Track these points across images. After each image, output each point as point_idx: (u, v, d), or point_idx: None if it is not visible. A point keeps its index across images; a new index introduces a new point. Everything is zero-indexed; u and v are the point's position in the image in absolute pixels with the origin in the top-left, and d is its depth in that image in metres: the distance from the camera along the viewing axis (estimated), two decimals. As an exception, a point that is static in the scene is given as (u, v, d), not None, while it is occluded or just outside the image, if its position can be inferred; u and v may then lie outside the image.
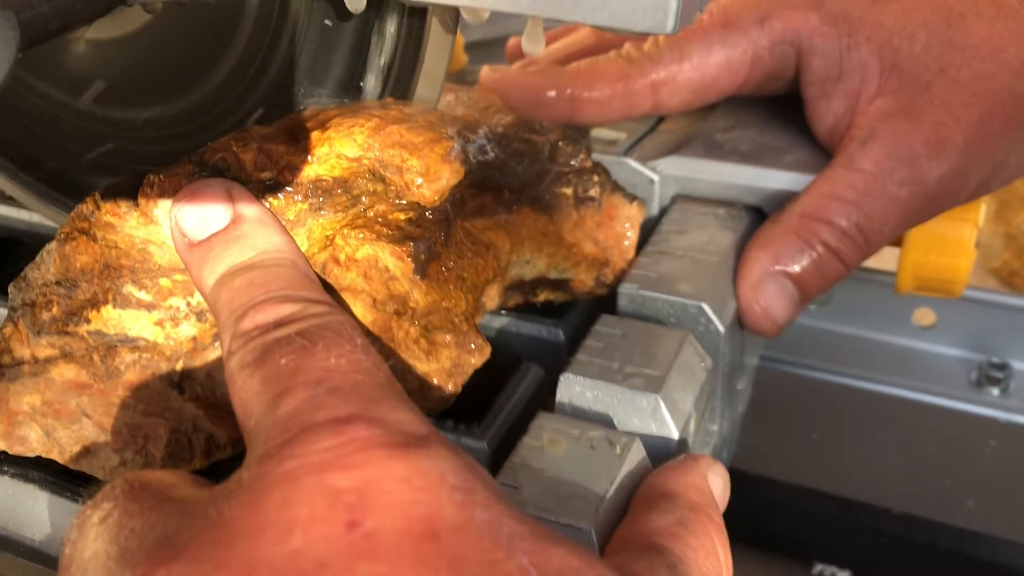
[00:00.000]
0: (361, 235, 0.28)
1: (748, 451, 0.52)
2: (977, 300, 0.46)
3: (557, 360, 0.36)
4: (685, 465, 0.26)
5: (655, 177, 0.39)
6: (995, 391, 0.45)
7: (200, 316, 0.28)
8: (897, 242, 0.39)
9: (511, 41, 0.45)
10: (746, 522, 0.57)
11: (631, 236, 0.36)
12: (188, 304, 0.28)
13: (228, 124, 0.37)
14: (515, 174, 0.33)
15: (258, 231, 0.25)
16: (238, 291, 0.24)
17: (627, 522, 0.24)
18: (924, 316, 0.47)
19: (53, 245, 0.30)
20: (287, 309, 0.22)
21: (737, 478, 0.31)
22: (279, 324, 0.22)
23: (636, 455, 0.27)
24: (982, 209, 0.38)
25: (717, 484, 0.26)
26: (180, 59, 0.36)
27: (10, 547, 0.31)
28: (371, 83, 0.32)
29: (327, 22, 0.32)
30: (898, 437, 0.47)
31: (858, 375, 0.47)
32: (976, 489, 0.47)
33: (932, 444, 0.46)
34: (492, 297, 0.32)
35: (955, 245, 0.38)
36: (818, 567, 0.59)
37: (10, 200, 0.46)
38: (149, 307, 0.28)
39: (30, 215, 0.46)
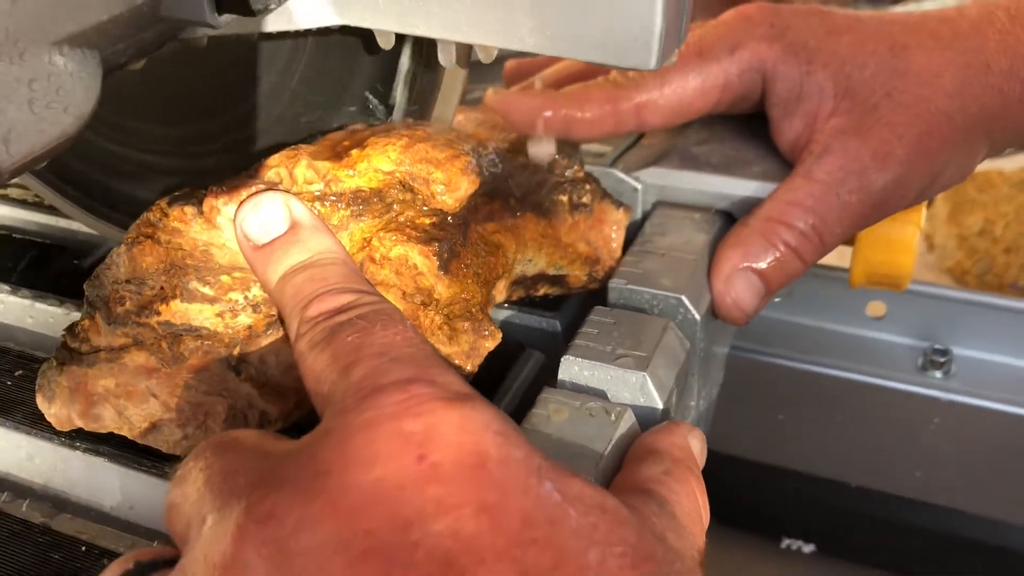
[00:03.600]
0: (394, 237, 0.33)
1: (720, 433, 0.57)
2: (923, 293, 0.52)
3: (555, 347, 0.41)
4: (669, 428, 0.31)
5: (638, 186, 0.44)
6: (938, 374, 0.51)
7: (255, 308, 0.33)
8: (850, 242, 0.44)
9: (509, 63, 0.50)
10: (719, 501, 0.62)
11: (618, 237, 0.41)
12: (245, 298, 0.33)
13: (261, 143, 0.42)
14: (519, 184, 0.38)
15: (313, 235, 0.30)
16: (301, 285, 0.28)
17: (621, 475, 0.29)
18: (876, 308, 0.53)
19: (122, 248, 0.34)
20: (345, 298, 0.27)
21: (710, 458, 0.36)
22: (340, 311, 0.27)
23: (628, 422, 0.32)
24: (924, 213, 0.44)
25: (695, 444, 0.31)
26: (218, 82, 0.41)
27: (84, 512, 0.35)
28: (399, 101, 0.37)
29: (360, 53, 0.37)
30: (854, 417, 0.52)
31: (818, 362, 0.52)
32: (923, 462, 0.53)
33: (884, 423, 0.51)
34: (500, 291, 0.37)
35: (900, 244, 0.43)
36: (785, 541, 0.64)
37: (51, 208, 0.51)
38: (211, 300, 0.33)
39: (68, 223, 0.51)
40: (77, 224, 0.49)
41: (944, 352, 0.51)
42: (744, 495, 0.62)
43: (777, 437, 0.55)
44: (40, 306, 0.43)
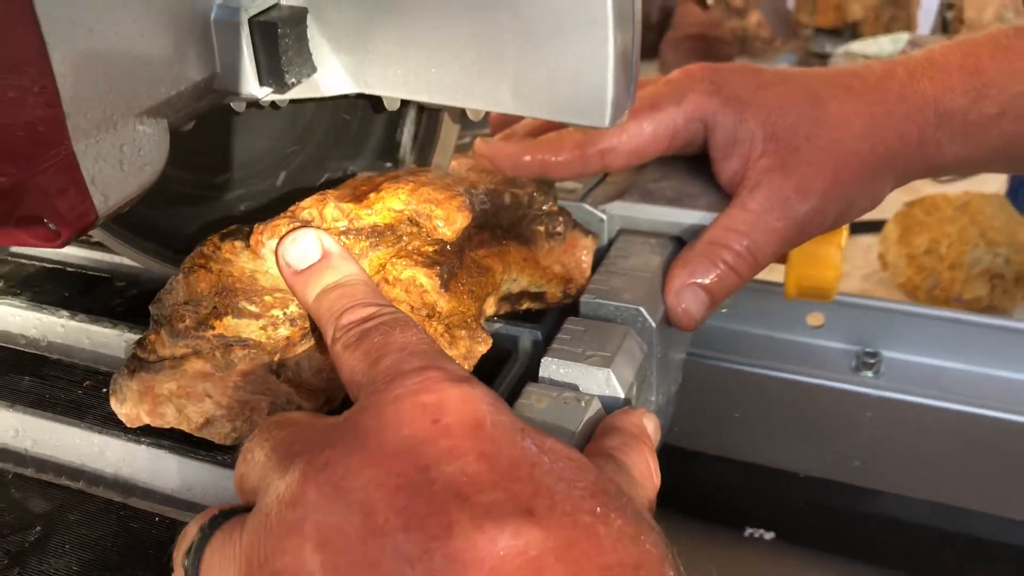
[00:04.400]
0: (404, 262, 0.41)
1: (685, 431, 0.64)
2: (855, 304, 0.60)
3: (537, 353, 0.49)
4: (627, 411, 0.39)
5: (604, 217, 0.52)
6: (869, 374, 0.59)
7: (292, 322, 0.41)
8: (783, 260, 0.52)
9: (494, 115, 0.58)
10: (688, 495, 0.69)
11: (588, 260, 0.49)
12: (284, 314, 0.41)
13: (286, 188, 0.50)
14: (505, 217, 0.46)
15: (341, 262, 0.38)
16: (335, 301, 0.36)
17: (588, 447, 0.37)
18: (815, 319, 0.61)
19: (180, 276, 0.42)
20: (370, 310, 0.35)
21: (676, 455, 0.42)
22: (367, 320, 0.35)
23: (595, 408, 0.40)
24: (845, 234, 0.52)
25: (650, 424, 0.39)
26: (251, 137, 0.49)
27: (149, 496, 0.43)
28: (405, 152, 0.45)
29: (369, 113, 0.45)
30: (798, 414, 0.60)
31: (767, 366, 0.60)
32: (860, 452, 0.60)
33: (824, 417, 0.59)
34: (491, 305, 0.45)
35: (824, 261, 0.51)
36: (748, 530, 0.71)
37: (99, 245, 0.58)
38: (256, 316, 0.41)
39: (113, 256, 0.58)
40: (120, 257, 0.57)
41: (874, 355, 0.59)
42: (709, 488, 0.69)
43: (735, 434, 0.63)
44: (95, 328, 0.51)
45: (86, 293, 0.55)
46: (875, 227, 1.18)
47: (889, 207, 1.18)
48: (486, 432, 0.29)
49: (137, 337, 0.44)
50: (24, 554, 0.38)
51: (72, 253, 0.58)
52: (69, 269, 0.58)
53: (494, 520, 0.26)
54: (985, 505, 0.59)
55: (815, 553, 0.68)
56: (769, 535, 0.70)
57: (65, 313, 0.52)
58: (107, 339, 0.51)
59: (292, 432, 0.31)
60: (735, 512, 0.69)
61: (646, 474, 0.35)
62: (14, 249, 0.60)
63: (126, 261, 0.57)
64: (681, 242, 0.51)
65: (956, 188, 1.14)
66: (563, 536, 0.26)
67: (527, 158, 0.50)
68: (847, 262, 0.62)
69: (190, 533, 0.31)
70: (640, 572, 0.26)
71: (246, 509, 0.31)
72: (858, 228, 1.32)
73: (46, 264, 0.59)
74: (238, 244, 0.41)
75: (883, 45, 1.91)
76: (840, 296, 0.60)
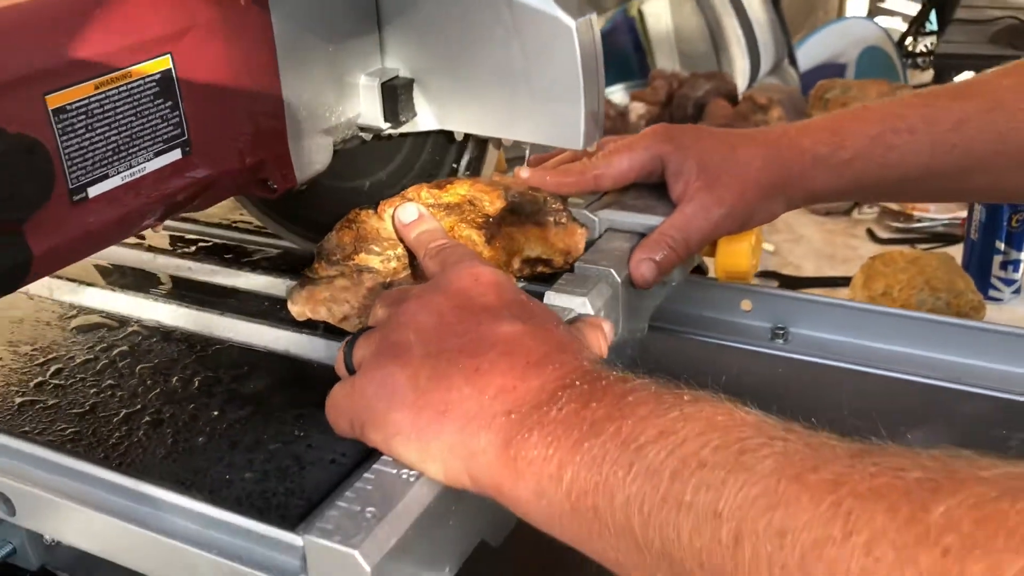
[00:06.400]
0: (464, 226, 0.69)
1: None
2: (774, 295, 0.86)
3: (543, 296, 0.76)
4: (592, 316, 0.66)
5: (596, 219, 0.80)
6: (781, 341, 0.84)
7: (398, 259, 0.69)
8: (713, 255, 0.79)
9: (532, 157, 0.87)
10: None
11: (581, 242, 0.76)
12: (394, 254, 0.69)
13: (389, 192, 0.79)
14: (527, 209, 0.74)
15: (427, 220, 0.66)
16: (424, 237, 0.64)
17: (568, 331, 0.64)
18: (746, 305, 0.87)
19: (334, 232, 0.71)
20: (443, 241, 0.63)
21: None
22: (441, 246, 0.63)
23: (573, 315, 0.67)
24: (753, 236, 0.79)
25: (606, 324, 0.66)
26: (372, 157, 0.79)
27: (307, 367, 0.70)
28: (464, 165, 0.74)
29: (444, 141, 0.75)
30: (735, 371, 0.85)
31: (711, 336, 0.86)
32: (774, 400, 0.85)
33: (748, 374, 0.84)
34: (516, 263, 0.73)
35: (738, 255, 0.78)
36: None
37: (265, 230, 0.88)
38: (378, 255, 0.69)
39: (267, 239, 0.88)
40: (277, 237, 0.86)
41: (784, 329, 0.85)
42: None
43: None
44: (263, 278, 0.80)
45: (246, 260, 0.85)
46: (847, 280, 1.43)
47: (858, 261, 1.44)
48: (501, 285, 0.56)
49: (289, 281, 0.73)
50: (240, 378, 0.67)
51: (242, 238, 0.88)
52: (245, 246, 0.88)
53: (500, 321, 0.53)
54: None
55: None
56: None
57: (248, 268, 0.81)
58: (272, 284, 0.80)
59: (395, 294, 0.60)
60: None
61: (594, 343, 0.62)
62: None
63: (282, 242, 0.86)
64: (643, 235, 0.78)
65: (908, 249, 1.39)
66: (534, 328, 0.53)
67: (548, 179, 0.79)
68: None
69: (347, 340, 0.59)
70: (565, 352, 0.53)
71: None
72: (837, 282, 1.58)
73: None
74: (370, 212, 0.70)
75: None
76: (764, 289, 0.87)
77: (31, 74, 0.43)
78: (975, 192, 0.84)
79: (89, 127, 0.47)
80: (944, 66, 2.96)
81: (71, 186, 0.47)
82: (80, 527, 0.57)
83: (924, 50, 4.33)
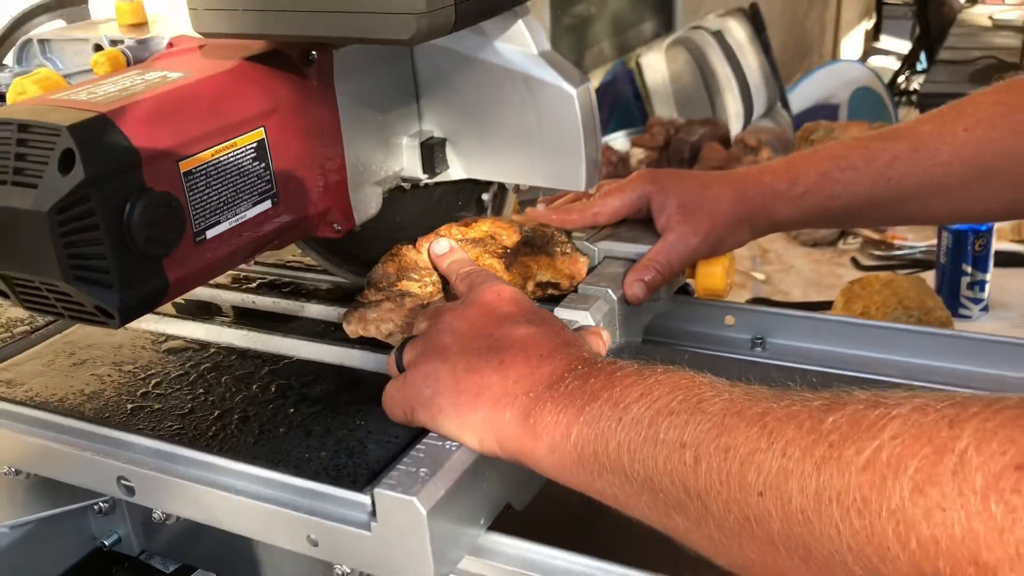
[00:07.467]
0: (487, 256, 0.84)
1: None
2: (753, 311, 1.01)
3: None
4: (593, 327, 0.81)
5: (596, 249, 0.95)
6: (760, 350, 0.99)
7: (435, 284, 0.84)
8: (693, 276, 0.95)
9: (540, 199, 1.02)
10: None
11: (584, 268, 0.91)
12: (430, 280, 0.84)
13: (419, 230, 0.95)
14: (538, 241, 0.90)
15: (457, 252, 0.82)
16: (454, 266, 0.80)
17: (573, 338, 0.79)
18: (729, 320, 1.01)
19: (379, 264, 0.86)
20: (470, 268, 0.78)
21: None
22: (470, 273, 0.78)
23: (577, 327, 0.82)
24: (726, 260, 0.94)
25: (604, 332, 0.81)
26: (404, 202, 0.95)
27: (360, 374, 0.85)
28: (488, 206, 0.90)
29: (470, 187, 0.91)
30: (719, 376, 0.99)
31: (699, 347, 1.01)
32: (755, 400, 1.00)
33: (734, 378, 0.99)
34: (530, 286, 0.88)
35: (713, 275, 0.93)
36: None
37: (311, 266, 1.04)
38: (417, 281, 0.85)
39: (316, 275, 1.03)
40: (326, 273, 1.02)
41: (762, 339, 1.00)
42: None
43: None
44: (317, 306, 0.95)
45: (303, 294, 1.01)
46: (830, 304, 1.58)
47: (839, 285, 1.59)
48: (519, 301, 0.72)
49: (343, 309, 0.89)
50: (308, 383, 0.82)
51: (299, 275, 1.04)
52: (298, 283, 1.04)
53: (518, 325, 0.68)
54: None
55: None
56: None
57: (303, 299, 0.97)
58: (328, 311, 0.95)
59: (437, 307, 0.75)
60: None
61: (594, 345, 0.77)
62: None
63: (329, 276, 1.02)
64: (635, 261, 0.94)
65: (883, 273, 1.54)
66: (545, 330, 0.68)
67: (555, 216, 0.95)
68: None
69: (397, 347, 0.74)
70: (569, 347, 0.68)
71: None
72: (821, 306, 1.72)
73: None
74: (409, 247, 0.86)
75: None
76: (744, 306, 1.02)
77: (171, 147, 0.59)
78: (909, 217, 0.99)
79: (208, 184, 0.63)
80: (928, 104, 3.13)
81: (195, 230, 0.63)
82: (189, 501, 0.72)
83: (916, 88, 4.53)
